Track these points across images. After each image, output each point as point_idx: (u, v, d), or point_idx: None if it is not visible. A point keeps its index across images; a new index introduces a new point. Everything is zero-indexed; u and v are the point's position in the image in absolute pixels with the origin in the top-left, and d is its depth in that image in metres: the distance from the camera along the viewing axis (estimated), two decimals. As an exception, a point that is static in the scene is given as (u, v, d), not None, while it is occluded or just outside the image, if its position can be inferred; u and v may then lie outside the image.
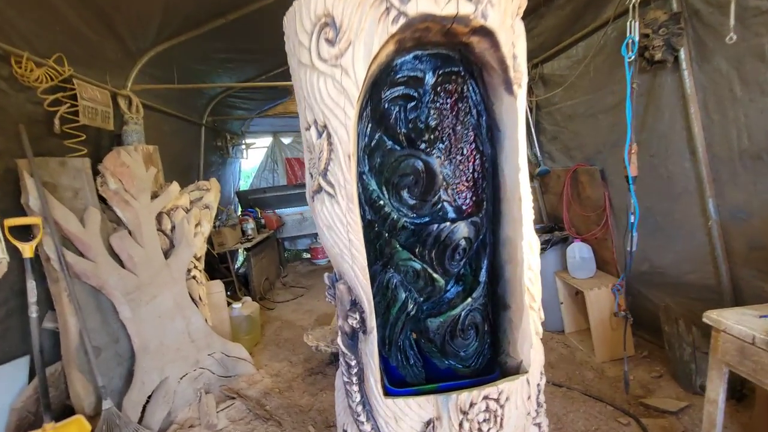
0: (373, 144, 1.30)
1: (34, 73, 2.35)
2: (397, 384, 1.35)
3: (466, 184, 1.36)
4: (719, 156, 2.29)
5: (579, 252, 3.30)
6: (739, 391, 2.37)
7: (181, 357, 2.81)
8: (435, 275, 1.32)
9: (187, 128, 5.06)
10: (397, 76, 1.23)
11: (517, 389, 1.30)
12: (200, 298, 3.15)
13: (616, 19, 2.62)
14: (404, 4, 1.02)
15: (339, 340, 1.34)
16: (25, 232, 2.27)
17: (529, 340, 1.33)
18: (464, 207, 1.35)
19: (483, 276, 1.39)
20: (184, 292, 2.97)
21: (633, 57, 2.23)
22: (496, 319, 1.46)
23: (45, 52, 2.47)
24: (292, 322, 4.43)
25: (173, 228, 3.09)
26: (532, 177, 3.55)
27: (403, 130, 1.28)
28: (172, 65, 3.95)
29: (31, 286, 2.16)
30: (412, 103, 1.26)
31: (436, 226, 1.29)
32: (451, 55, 1.24)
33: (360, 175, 1.29)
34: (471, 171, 1.35)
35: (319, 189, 1.22)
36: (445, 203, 1.34)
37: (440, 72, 1.23)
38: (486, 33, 1.10)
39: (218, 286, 3.64)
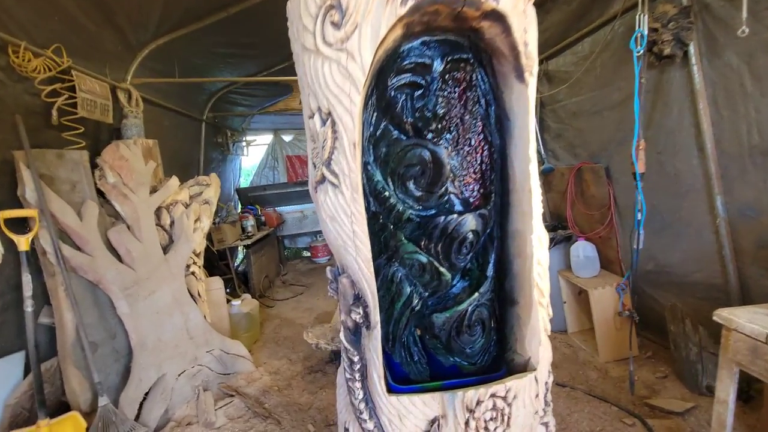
0: (378, 133, 1.26)
1: (31, 64, 2.30)
2: (400, 381, 1.31)
3: (474, 175, 1.32)
4: (728, 152, 2.25)
5: (583, 251, 3.26)
6: (745, 392, 2.33)
7: (179, 354, 2.77)
8: (441, 269, 1.28)
9: (187, 124, 5.02)
10: (404, 63, 1.19)
11: (525, 387, 1.26)
12: (199, 295, 3.11)
13: (624, 14, 2.58)
14: (413, -15, 0.98)
15: (341, 336, 1.30)
16: (21, 225, 2.23)
17: (537, 337, 1.29)
18: (471, 199, 1.32)
19: (490, 270, 1.35)
20: (182, 288, 2.93)
21: (642, 51, 2.19)
22: (503, 315, 1.42)
23: (43, 42, 2.43)
24: (292, 320, 4.39)
25: (172, 223, 3.05)
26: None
27: (409, 119, 1.24)
28: (173, 59, 3.91)
29: (27, 279, 2.11)
30: (420, 91, 1.22)
31: (442, 218, 1.26)
32: (460, 42, 1.20)
33: (364, 165, 1.25)
34: (479, 162, 1.31)
35: (323, 179, 1.18)
36: (452, 195, 1.30)
37: (449, 59, 1.19)
38: (498, 17, 1.07)
39: (217, 282, 3.60)
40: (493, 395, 1.21)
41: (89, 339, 2.33)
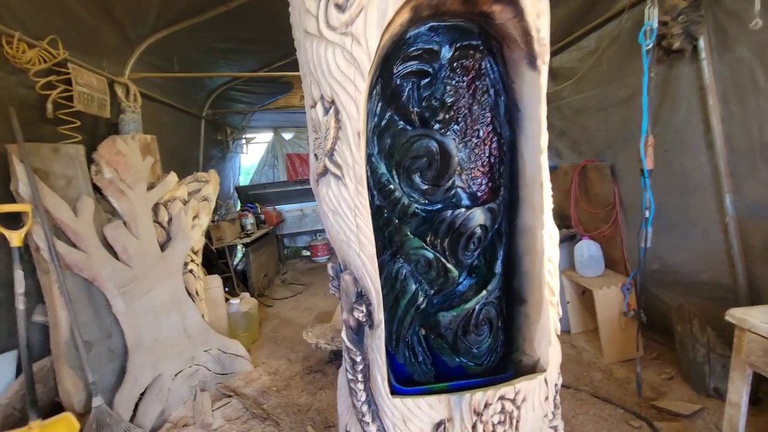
0: (383, 124, 1.21)
1: (26, 55, 2.25)
2: (403, 382, 1.26)
3: (482, 169, 1.27)
4: (738, 149, 2.20)
5: (587, 250, 3.21)
6: (754, 394, 2.28)
7: (176, 353, 2.71)
8: (448, 265, 1.23)
9: (186, 120, 4.96)
10: (411, 50, 1.14)
11: (535, 389, 1.21)
12: (197, 293, 3.05)
13: (632, 8, 2.53)
14: (422, -36, 0.93)
15: (343, 335, 1.25)
16: (13, 220, 2.17)
17: (547, 337, 1.24)
18: (479, 193, 1.27)
19: (498, 267, 1.30)
20: (180, 286, 2.87)
21: (651, 45, 2.13)
22: (510, 314, 1.37)
23: (39, 34, 2.38)
24: (291, 319, 4.34)
25: (170, 220, 3.00)
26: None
27: (416, 108, 1.18)
28: (172, 55, 3.85)
29: (19, 276, 2.06)
30: (427, 80, 1.17)
31: (449, 212, 1.20)
32: (469, 28, 1.15)
33: (368, 157, 1.20)
34: (487, 155, 1.26)
35: (325, 171, 1.12)
36: (459, 189, 1.24)
37: (457, 45, 1.14)
38: (510, 0, 1.01)
39: (216, 281, 3.54)
40: (501, 398, 1.16)
41: (84, 338, 2.27)
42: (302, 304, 4.83)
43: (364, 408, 1.24)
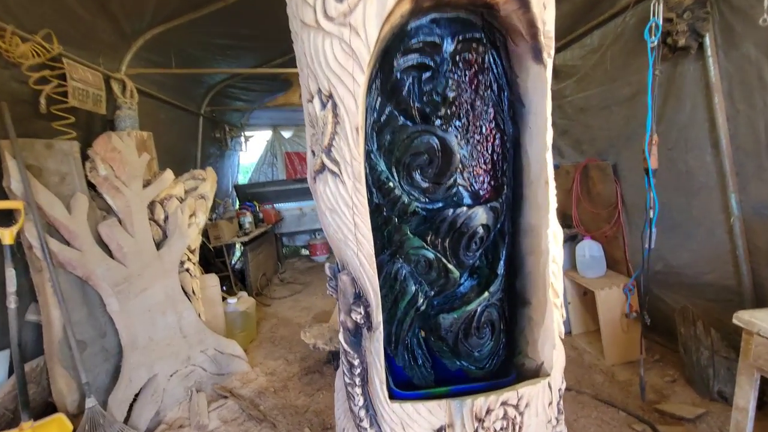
0: (382, 120, 1.17)
1: (19, 49, 2.21)
2: (402, 386, 1.22)
3: (484, 166, 1.22)
4: (744, 148, 2.17)
5: (589, 250, 3.17)
6: (759, 398, 2.24)
7: (171, 353, 2.67)
8: (449, 266, 1.19)
9: (184, 118, 4.91)
10: (412, 42, 1.09)
11: (538, 394, 1.17)
12: (193, 292, 3.01)
13: (636, 4, 2.49)
14: (424, -49, 0.89)
15: (341, 337, 1.21)
16: (5, 218, 2.13)
17: (551, 340, 1.20)
18: (482, 192, 1.22)
19: (501, 268, 1.26)
20: (176, 285, 2.83)
21: (656, 41, 2.09)
22: (513, 317, 1.33)
23: (32, 28, 2.33)
24: (289, 319, 4.30)
25: (166, 218, 2.96)
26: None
27: (416, 103, 1.14)
28: (170, 51, 3.81)
29: (11, 274, 2.02)
30: (428, 74, 1.12)
31: (451, 211, 1.16)
32: (472, 20, 1.11)
33: (367, 154, 1.16)
34: (490, 152, 1.22)
35: (322, 168, 1.08)
36: (461, 187, 1.20)
37: (460, 38, 1.10)
38: (515, -10, 0.97)
39: (213, 279, 3.50)
40: (504, 403, 1.12)
41: (77, 337, 2.23)
42: (301, 304, 4.79)
43: (362, 412, 1.20)
